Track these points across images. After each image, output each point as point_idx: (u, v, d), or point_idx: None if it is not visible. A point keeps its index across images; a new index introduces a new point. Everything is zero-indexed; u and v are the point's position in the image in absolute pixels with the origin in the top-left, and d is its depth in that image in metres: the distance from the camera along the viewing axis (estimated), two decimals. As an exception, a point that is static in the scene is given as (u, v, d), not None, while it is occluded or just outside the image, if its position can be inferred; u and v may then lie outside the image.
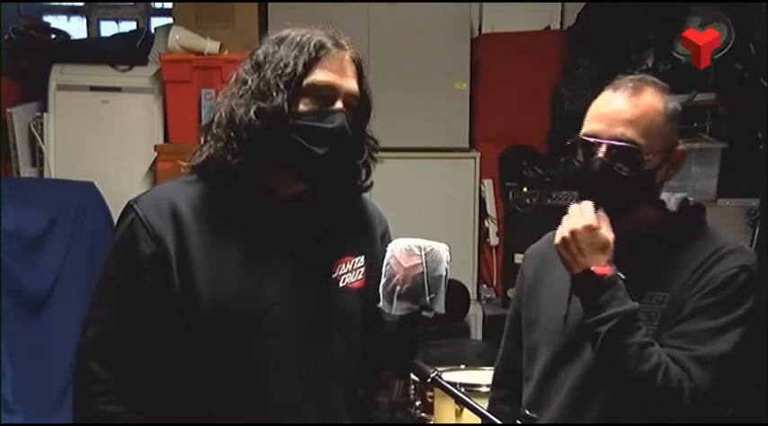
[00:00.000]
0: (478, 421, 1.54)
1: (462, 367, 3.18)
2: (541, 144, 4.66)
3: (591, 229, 1.69)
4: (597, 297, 1.67)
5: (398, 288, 1.48)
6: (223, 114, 1.63)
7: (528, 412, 1.56)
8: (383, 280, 1.51)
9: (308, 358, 1.66)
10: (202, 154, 1.67)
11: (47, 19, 5.27)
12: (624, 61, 4.32)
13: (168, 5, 5.10)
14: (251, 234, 1.65)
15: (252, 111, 1.59)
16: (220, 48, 4.37)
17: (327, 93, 1.62)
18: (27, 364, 3.83)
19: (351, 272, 1.72)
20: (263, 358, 1.63)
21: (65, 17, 5.37)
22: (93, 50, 4.56)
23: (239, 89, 1.63)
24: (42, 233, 4.06)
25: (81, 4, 5.33)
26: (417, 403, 3.15)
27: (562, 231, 1.73)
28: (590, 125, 1.77)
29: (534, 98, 4.59)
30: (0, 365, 3.69)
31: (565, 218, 1.75)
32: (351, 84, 1.65)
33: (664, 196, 1.85)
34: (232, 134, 1.61)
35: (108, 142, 4.42)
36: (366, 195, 1.80)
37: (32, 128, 4.46)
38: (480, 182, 4.63)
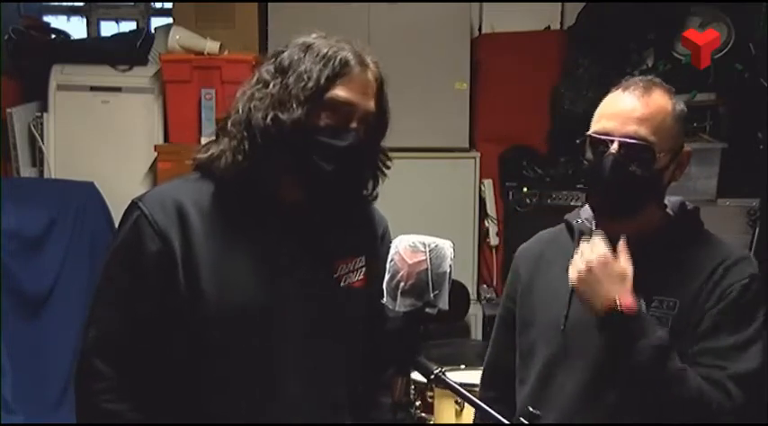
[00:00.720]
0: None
1: (462, 367, 3.19)
2: (541, 144, 4.66)
3: (605, 260, 1.67)
4: (629, 331, 1.64)
5: (402, 284, 1.48)
6: (241, 112, 1.64)
7: (531, 410, 1.56)
8: (387, 277, 1.51)
9: (310, 357, 1.66)
10: (208, 150, 1.67)
11: (47, 19, 5.26)
12: (624, 61, 4.33)
13: (168, 5, 5.10)
14: (255, 234, 1.65)
15: (269, 118, 1.60)
16: (220, 48, 4.37)
17: (345, 110, 1.63)
18: (27, 364, 3.83)
19: (352, 272, 1.72)
20: (266, 357, 1.63)
21: (65, 17, 5.37)
22: (93, 50, 4.56)
23: (259, 91, 1.64)
24: (42, 233, 4.05)
25: (81, 4, 5.33)
26: (417, 403, 3.16)
27: (576, 268, 1.70)
28: (600, 123, 1.76)
29: (534, 98, 4.60)
30: (0, 365, 3.69)
31: (576, 255, 1.72)
32: (369, 104, 1.66)
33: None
34: (245, 134, 1.62)
35: (108, 142, 4.41)
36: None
37: (32, 128, 4.45)
38: (480, 182, 4.63)
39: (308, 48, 1.65)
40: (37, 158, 4.50)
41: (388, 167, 1.76)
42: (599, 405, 1.73)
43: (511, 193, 4.49)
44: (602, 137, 1.74)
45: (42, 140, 4.43)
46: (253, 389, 1.63)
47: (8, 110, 4.41)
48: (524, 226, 4.10)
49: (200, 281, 1.59)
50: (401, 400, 3.10)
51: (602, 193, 1.75)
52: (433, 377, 1.46)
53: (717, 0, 4.25)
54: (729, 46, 4.13)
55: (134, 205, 1.65)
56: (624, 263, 1.68)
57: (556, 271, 1.82)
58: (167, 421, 1.63)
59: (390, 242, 1.58)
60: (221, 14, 4.51)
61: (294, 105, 1.60)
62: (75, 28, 5.31)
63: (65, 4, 5.38)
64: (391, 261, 1.50)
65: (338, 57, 1.63)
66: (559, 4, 4.80)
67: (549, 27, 4.79)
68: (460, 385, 1.49)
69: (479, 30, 4.80)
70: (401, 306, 1.47)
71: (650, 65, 4.31)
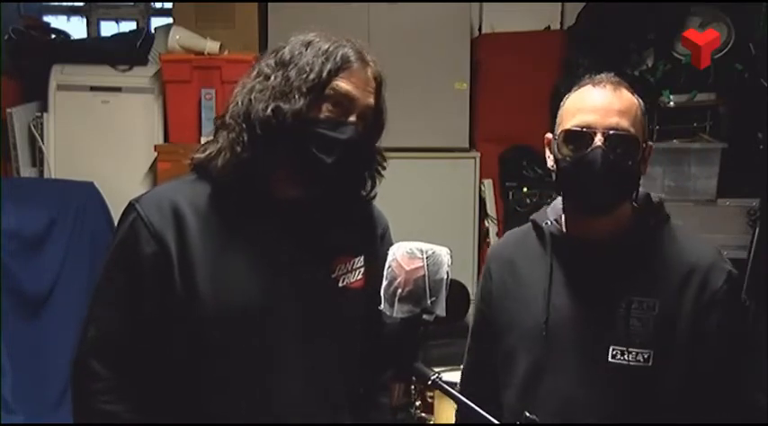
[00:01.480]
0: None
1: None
2: (541, 144, 4.64)
3: None
4: None
5: (400, 290, 1.48)
6: (240, 104, 1.64)
7: (528, 414, 1.55)
8: (384, 283, 1.51)
9: (308, 357, 1.67)
10: (206, 150, 1.67)
11: (47, 19, 5.26)
12: (624, 61, 4.31)
13: (168, 5, 5.10)
14: (251, 234, 1.65)
15: (270, 109, 1.60)
16: (220, 48, 4.37)
17: (346, 103, 1.64)
18: (27, 364, 3.83)
19: (350, 272, 1.73)
20: (263, 357, 1.63)
21: (65, 17, 5.37)
22: (93, 50, 4.56)
23: (260, 84, 1.64)
24: (42, 233, 4.05)
25: (81, 4, 5.32)
26: (417, 404, 3.16)
27: None
28: (578, 118, 1.73)
29: (534, 98, 4.58)
30: (0, 365, 3.69)
31: None
32: (369, 99, 1.66)
33: None
34: (245, 126, 1.62)
35: (108, 142, 4.41)
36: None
37: (32, 128, 4.45)
38: (480, 182, 4.62)
39: (308, 43, 1.66)
40: (37, 158, 4.50)
41: (384, 168, 1.76)
42: (593, 414, 1.72)
43: (511, 193, 4.48)
44: (586, 130, 1.71)
45: (42, 140, 4.43)
46: (250, 389, 1.63)
47: (8, 110, 4.41)
48: (524, 227, 4.13)
49: (197, 282, 1.60)
50: (400, 402, 3.10)
51: (588, 189, 1.71)
52: (430, 383, 1.46)
53: (717, 0, 4.24)
54: (729, 46, 4.13)
55: (131, 207, 1.66)
56: None
57: (528, 275, 1.81)
58: (166, 422, 1.64)
59: (391, 242, 1.58)
60: (221, 14, 4.51)
61: (296, 96, 1.61)
62: (75, 28, 5.32)
63: (65, 4, 5.38)
64: (389, 267, 1.50)
65: (339, 53, 1.64)
66: (559, 4, 4.79)
67: (549, 27, 4.78)
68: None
69: (479, 30, 4.80)
70: (399, 312, 1.47)
71: (650, 65, 4.31)
